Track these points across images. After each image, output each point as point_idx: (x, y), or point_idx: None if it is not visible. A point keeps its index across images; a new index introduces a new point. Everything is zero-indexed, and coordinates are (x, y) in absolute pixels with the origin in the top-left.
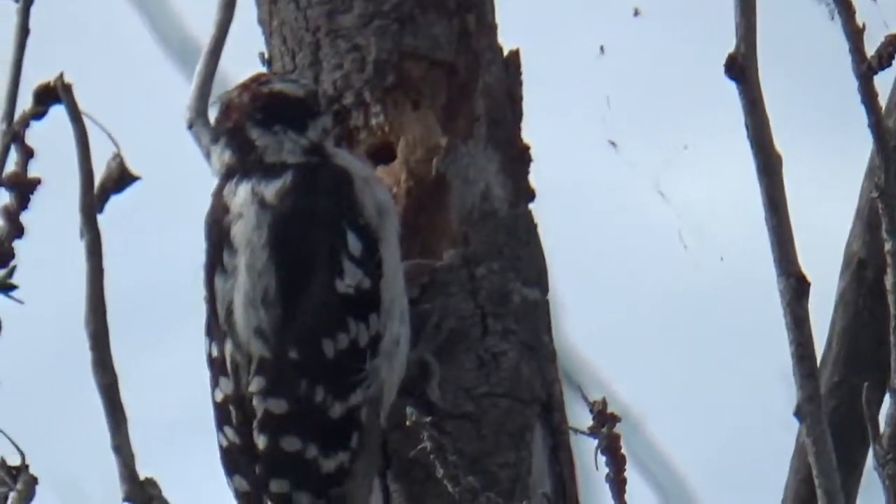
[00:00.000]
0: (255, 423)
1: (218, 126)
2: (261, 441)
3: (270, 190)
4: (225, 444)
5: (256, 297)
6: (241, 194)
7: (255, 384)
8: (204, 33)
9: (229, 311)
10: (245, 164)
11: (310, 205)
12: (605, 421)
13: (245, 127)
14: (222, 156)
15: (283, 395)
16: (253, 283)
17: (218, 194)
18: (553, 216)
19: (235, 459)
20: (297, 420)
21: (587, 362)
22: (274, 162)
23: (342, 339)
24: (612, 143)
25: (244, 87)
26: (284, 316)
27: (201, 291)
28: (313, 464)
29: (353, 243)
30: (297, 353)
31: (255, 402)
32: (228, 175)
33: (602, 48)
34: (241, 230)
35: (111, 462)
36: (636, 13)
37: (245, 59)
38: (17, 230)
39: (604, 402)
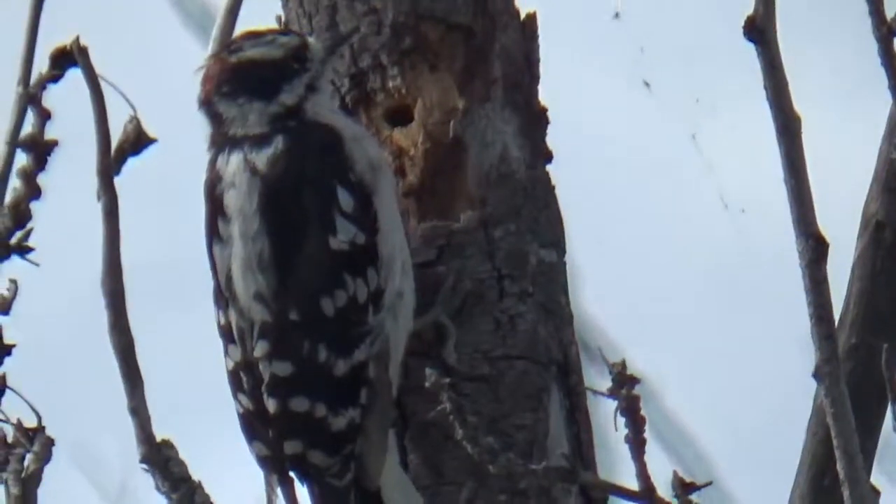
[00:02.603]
0: (263, 388)
1: (197, 97)
2: (271, 404)
3: (262, 157)
4: (241, 410)
5: (252, 262)
6: (233, 163)
7: (260, 349)
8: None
9: (229, 279)
10: (220, 137)
11: (299, 167)
12: (624, 382)
13: (213, 100)
14: (203, 127)
15: (288, 358)
16: (247, 250)
17: (212, 164)
18: (574, 178)
19: (252, 425)
20: (303, 381)
21: (604, 328)
22: (240, 135)
23: (340, 296)
24: (647, 84)
25: (217, 55)
26: (281, 279)
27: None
28: (323, 422)
29: (345, 199)
30: (297, 315)
31: (261, 366)
32: (220, 145)
33: (617, 14)
34: (234, 198)
35: (127, 426)
36: None
37: (262, 21)
38: (34, 192)
39: (623, 364)
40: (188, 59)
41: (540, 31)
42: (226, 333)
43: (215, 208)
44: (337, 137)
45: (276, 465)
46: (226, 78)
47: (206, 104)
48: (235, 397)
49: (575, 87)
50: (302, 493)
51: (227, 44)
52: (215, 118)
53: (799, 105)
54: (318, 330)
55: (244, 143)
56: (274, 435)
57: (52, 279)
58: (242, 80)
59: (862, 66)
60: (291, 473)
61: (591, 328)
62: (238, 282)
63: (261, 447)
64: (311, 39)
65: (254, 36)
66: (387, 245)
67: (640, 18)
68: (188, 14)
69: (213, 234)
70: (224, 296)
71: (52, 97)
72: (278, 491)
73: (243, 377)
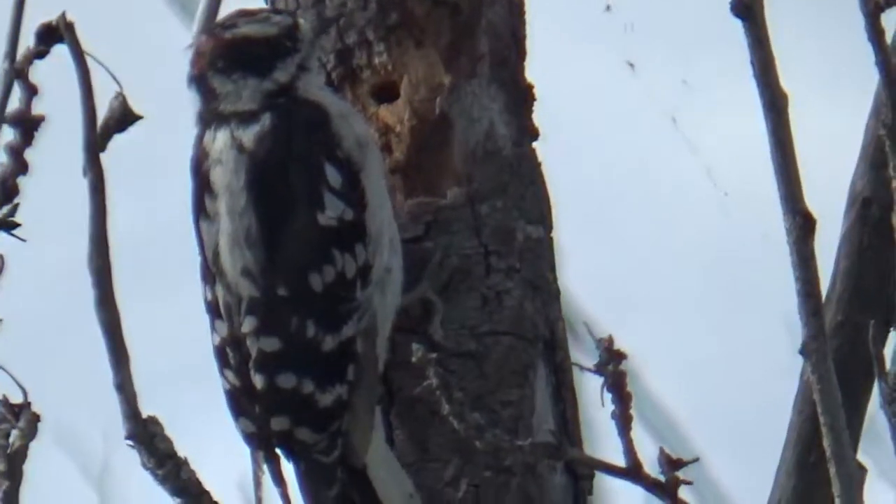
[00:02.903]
0: (250, 363)
1: (188, 73)
2: (258, 380)
3: (248, 135)
4: (227, 386)
5: (239, 238)
6: (220, 140)
7: (247, 324)
8: None
9: (216, 255)
10: (210, 113)
11: (287, 144)
12: (611, 358)
13: (207, 75)
14: (193, 103)
15: (275, 333)
16: (235, 226)
17: (199, 142)
18: (560, 156)
19: (239, 401)
20: (290, 357)
21: (589, 306)
22: (230, 111)
23: (328, 272)
24: (630, 64)
25: (210, 31)
26: (269, 254)
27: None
28: (310, 399)
29: (333, 175)
30: (285, 290)
31: (248, 342)
32: (207, 122)
33: (608, 6)
34: (220, 175)
35: (109, 403)
36: None
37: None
38: (22, 167)
39: (610, 340)
40: (171, 38)
41: (527, 8)
42: (213, 309)
43: (202, 185)
44: (324, 114)
45: (262, 442)
46: (221, 53)
47: (199, 79)
48: (222, 373)
49: (561, 64)
50: (288, 469)
51: (220, 21)
52: (208, 93)
53: (786, 83)
54: (306, 305)
55: (231, 120)
56: (261, 411)
57: (38, 255)
58: (238, 56)
59: (849, 42)
60: (278, 450)
61: (575, 305)
62: (225, 257)
63: (247, 423)
64: (300, 20)
65: (247, 14)
66: (375, 221)
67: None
68: None
69: (200, 211)
70: (211, 271)
71: (39, 73)
72: (265, 467)
73: (230, 353)
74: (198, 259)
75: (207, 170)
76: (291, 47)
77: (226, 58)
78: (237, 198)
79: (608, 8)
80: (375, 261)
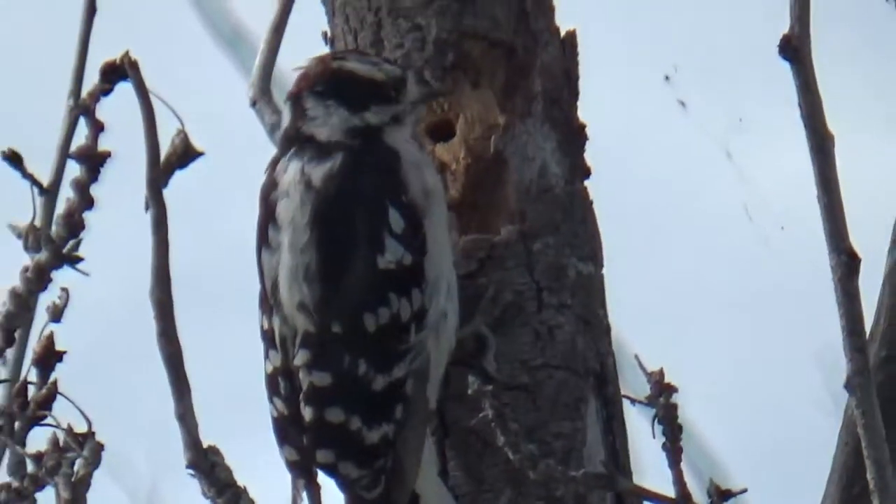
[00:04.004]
0: (301, 395)
1: (288, 91)
2: (307, 412)
3: (318, 172)
4: (275, 414)
5: (299, 273)
6: (290, 172)
7: (301, 357)
8: (255, 19)
9: (275, 286)
10: (294, 131)
11: (354, 185)
12: (662, 391)
13: (303, 94)
14: (283, 120)
15: (327, 369)
16: (295, 260)
17: (271, 168)
18: (612, 193)
19: (285, 429)
20: (340, 392)
21: (637, 338)
22: (315, 136)
23: (383, 314)
24: (682, 103)
25: (322, 58)
26: (326, 291)
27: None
28: (357, 435)
29: (396, 220)
30: (339, 328)
31: (300, 374)
32: (286, 146)
33: (667, 77)
34: (286, 208)
35: (160, 431)
36: None
37: (308, 38)
38: (87, 202)
39: (661, 373)
40: (228, 79)
41: (580, 49)
42: (268, 338)
43: (267, 214)
44: (396, 161)
45: (304, 471)
46: (323, 78)
47: (296, 97)
48: (271, 401)
49: (613, 104)
50: (327, 498)
51: (333, 52)
52: (298, 112)
53: (833, 123)
54: (358, 344)
55: (306, 152)
56: (308, 442)
57: (102, 288)
58: (337, 85)
59: (894, 84)
60: (323, 477)
61: (624, 339)
62: (284, 290)
63: (291, 452)
64: (410, 77)
65: (361, 54)
66: (434, 267)
67: (675, 37)
68: (227, 36)
69: (263, 240)
70: (269, 302)
71: (104, 110)
72: (304, 494)
73: (282, 383)
74: (257, 288)
75: (275, 201)
76: (393, 98)
77: (326, 84)
78: (300, 233)
79: (667, 78)
80: (431, 305)
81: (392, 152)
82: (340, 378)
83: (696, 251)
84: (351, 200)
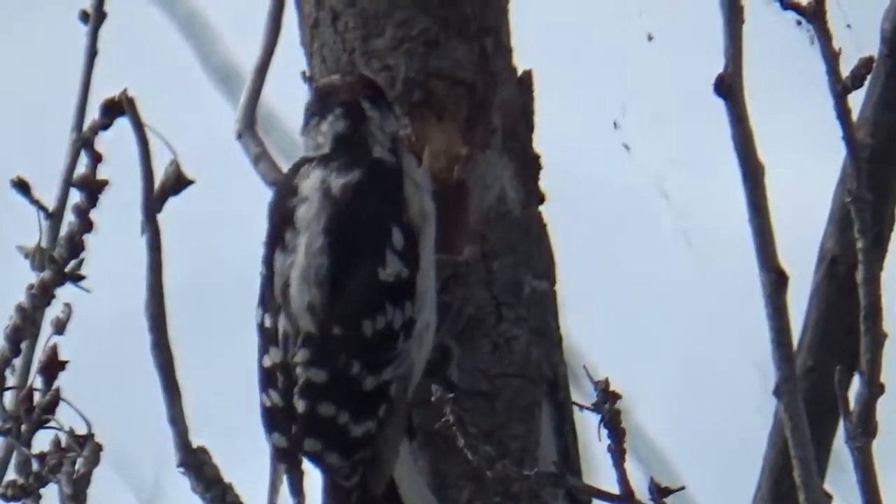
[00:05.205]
0: (296, 389)
1: (325, 103)
2: (300, 405)
3: (338, 182)
4: (268, 404)
5: (310, 275)
6: (312, 179)
7: (301, 355)
8: (245, 58)
9: (286, 286)
10: (357, 133)
11: (367, 200)
12: (607, 398)
13: (359, 100)
14: (334, 126)
15: (324, 367)
16: (308, 263)
17: (291, 175)
18: (564, 218)
19: (276, 418)
20: (334, 389)
21: (586, 350)
22: (370, 136)
23: (380, 321)
24: (626, 147)
25: (343, 75)
26: (332, 296)
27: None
28: (344, 428)
29: (397, 238)
30: (339, 330)
31: (298, 370)
32: (308, 159)
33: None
34: (305, 213)
35: (161, 433)
36: (650, 38)
37: (289, 76)
38: (87, 226)
39: (606, 382)
40: (218, 112)
41: (535, 87)
42: (270, 335)
43: (285, 219)
44: (401, 179)
45: (289, 457)
46: (369, 86)
47: (352, 103)
48: (265, 391)
49: (565, 137)
50: (307, 484)
51: (347, 73)
52: (359, 115)
53: (765, 154)
54: (355, 347)
55: (329, 164)
56: (297, 431)
57: (101, 304)
58: (380, 92)
59: (821, 119)
60: (310, 470)
61: (575, 351)
62: (294, 290)
63: (280, 439)
64: None
65: None
66: (423, 283)
67: (626, 78)
68: (218, 73)
69: (279, 241)
70: (276, 301)
71: (103, 142)
72: (284, 478)
73: (279, 377)
74: (257, 288)
75: (294, 205)
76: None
77: (373, 89)
78: (315, 237)
79: (617, 122)
80: (419, 317)
81: (399, 169)
82: (335, 376)
83: (639, 271)
84: (362, 213)
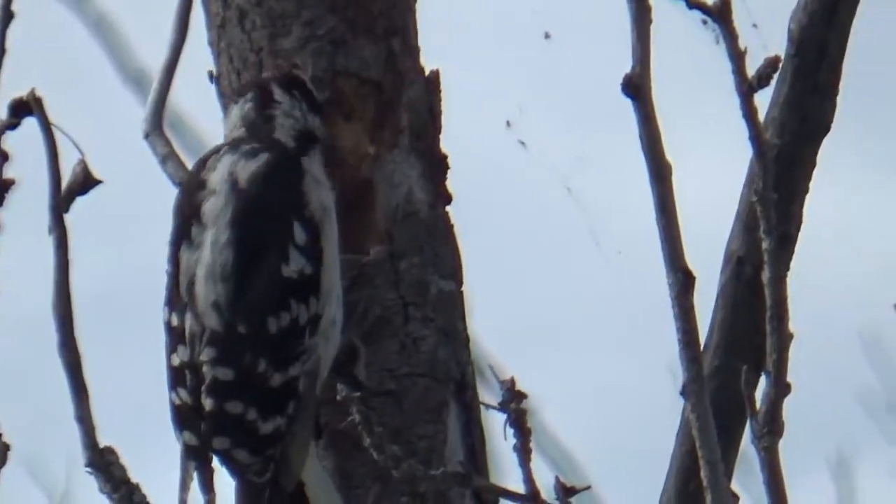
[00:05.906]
0: (203, 388)
1: (244, 90)
2: (208, 403)
3: (245, 172)
4: (177, 402)
5: (216, 271)
6: (220, 170)
7: (206, 353)
8: (153, 58)
9: (191, 283)
10: (261, 119)
11: (271, 195)
12: (513, 398)
13: (270, 85)
14: (243, 107)
15: (231, 365)
16: (214, 258)
17: (197, 170)
18: (471, 218)
19: (185, 417)
20: (240, 387)
21: (494, 350)
22: (275, 122)
23: (284, 318)
24: (522, 143)
25: (275, 70)
26: (236, 292)
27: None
28: (252, 425)
29: (300, 233)
30: (244, 328)
31: (205, 368)
32: (216, 149)
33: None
34: (213, 206)
35: (72, 434)
36: (547, 36)
37: (196, 76)
38: None
39: (513, 381)
40: (127, 112)
41: (442, 87)
42: (177, 334)
43: (191, 213)
44: (302, 174)
45: (199, 455)
46: (287, 78)
47: (263, 89)
48: (174, 390)
49: (471, 136)
50: (218, 481)
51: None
52: (267, 100)
53: (671, 154)
54: (260, 344)
55: (236, 151)
56: (205, 429)
57: (9, 303)
58: (299, 85)
59: (728, 119)
60: (220, 467)
61: (483, 351)
62: (200, 287)
63: (190, 437)
64: None
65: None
66: (327, 278)
67: (531, 77)
68: (127, 73)
69: (184, 237)
70: (182, 299)
71: (10, 142)
72: (194, 476)
73: (188, 375)
74: (164, 286)
75: (201, 200)
76: (321, 113)
77: (291, 80)
78: (221, 231)
79: (511, 121)
80: (324, 313)
81: (300, 164)
82: (241, 374)
83: (548, 272)
84: (266, 208)
